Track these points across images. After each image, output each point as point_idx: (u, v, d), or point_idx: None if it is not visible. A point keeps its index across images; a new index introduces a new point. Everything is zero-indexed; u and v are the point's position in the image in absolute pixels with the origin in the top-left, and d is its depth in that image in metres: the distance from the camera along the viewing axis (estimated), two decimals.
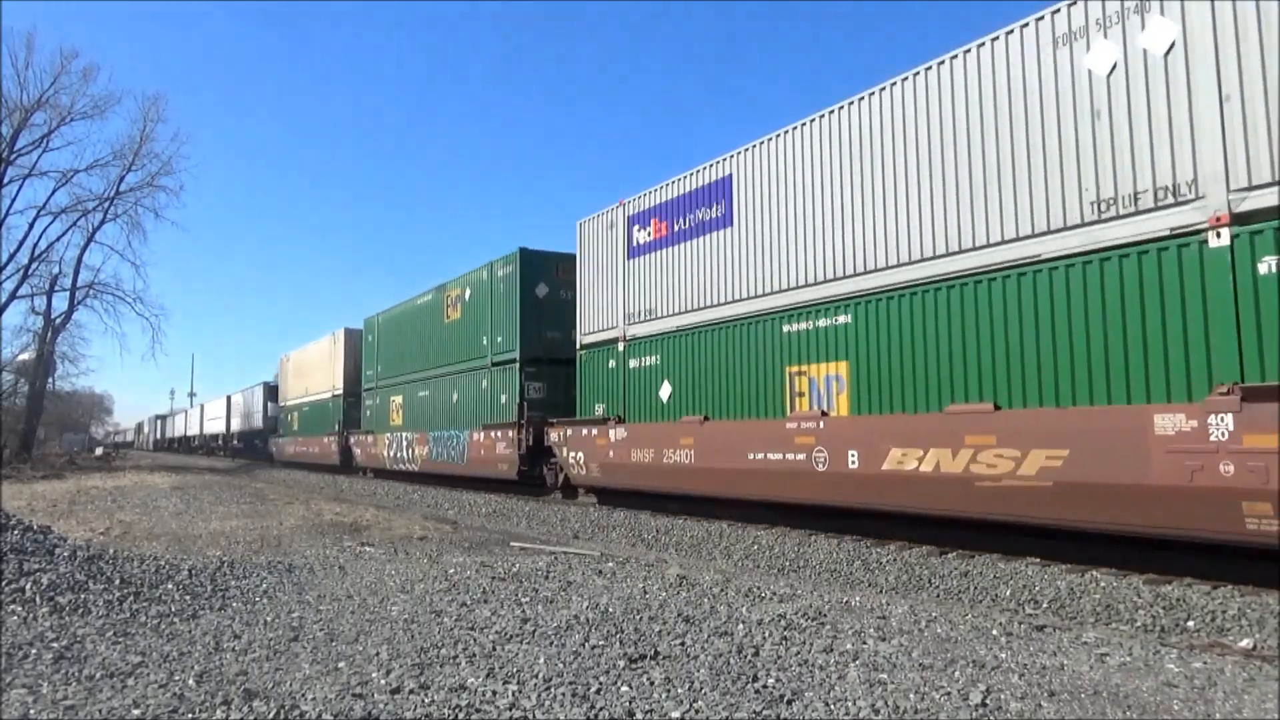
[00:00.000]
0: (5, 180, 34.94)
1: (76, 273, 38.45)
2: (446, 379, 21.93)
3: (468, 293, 21.05)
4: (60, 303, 39.28)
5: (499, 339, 19.01)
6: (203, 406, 70.38)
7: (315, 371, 34.32)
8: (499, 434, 18.40)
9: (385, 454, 25.77)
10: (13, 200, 35.85)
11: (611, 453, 14.48)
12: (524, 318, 18.11)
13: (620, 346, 14.85)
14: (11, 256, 35.89)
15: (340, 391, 30.73)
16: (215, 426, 62.95)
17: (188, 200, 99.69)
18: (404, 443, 24.25)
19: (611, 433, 14.55)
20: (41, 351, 38.69)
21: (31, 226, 36.41)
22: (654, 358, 13.95)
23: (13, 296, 36.11)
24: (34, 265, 36.70)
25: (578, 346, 16.16)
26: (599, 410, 15.33)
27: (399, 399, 25.32)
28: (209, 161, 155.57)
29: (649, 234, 14.30)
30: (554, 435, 16.63)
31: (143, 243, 54.44)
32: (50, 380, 42.37)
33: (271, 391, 45.61)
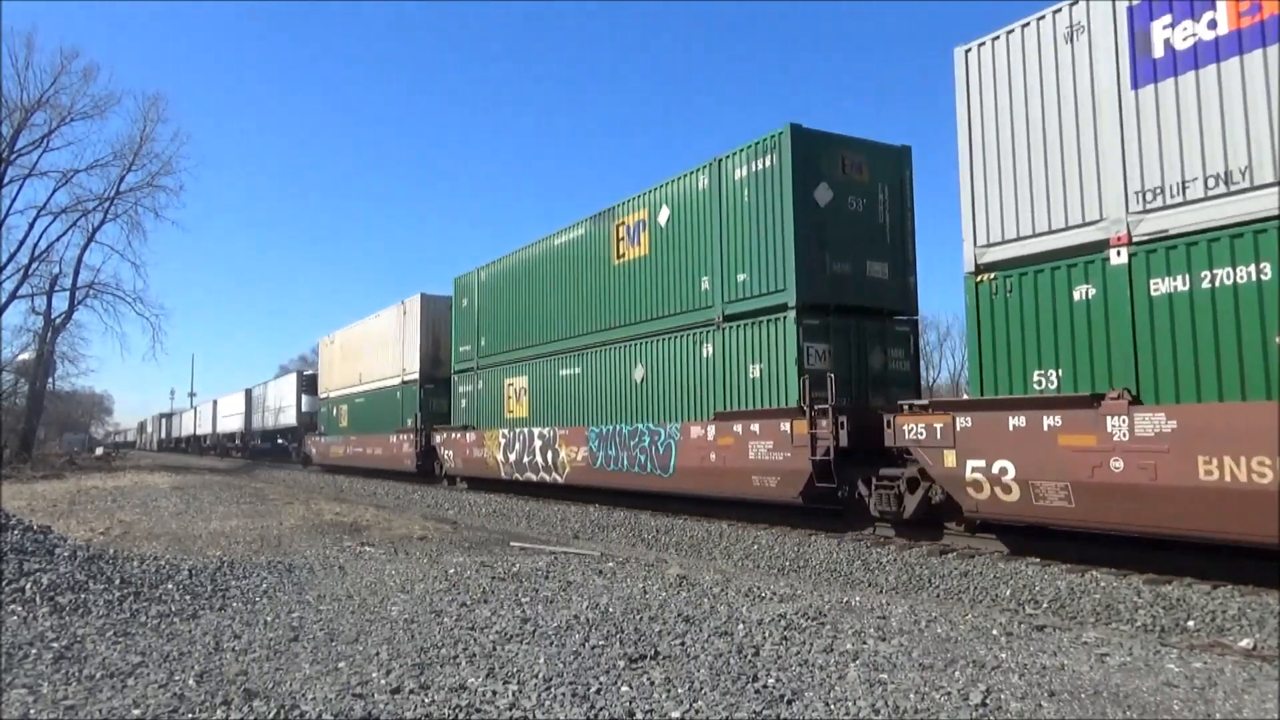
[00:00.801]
0: (5, 180, 34.98)
1: (76, 273, 38.51)
2: (621, 348, 14.80)
3: (664, 215, 13.94)
4: (60, 303, 39.34)
5: (740, 277, 12.22)
6: (216, 402, 62.31)
7: (375, 353, 27.41)
8: (754, 429, 11.58)
9: (498, 458, 18.56)
10: (13, 200, 35.93)
11: (1119, 463, 7.49)
12: (800, 237, 11.32)
13: (1116, 256, 7.88)
14: (11, 256, 35.96)
15: (414, 376, 23.91)
16: (232, 424, 55.95)
17: (188, 200, 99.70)
18: (535, 443, 17.12)
19: (1113, 424, 7.55)
20: (41, 351, 38.71)
21: (31, 226, 36.49)
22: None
23: (13, 296, 36.17)
24: (34, 265, 36.77)
25: (969, 268, 9.20)
26: (1045, 380, 8.45)
27: (521, 381, 18.25)
28: (209, 161, 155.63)
29: (1218, 23, 7.27)
30: (914, 428, 9.49)
31: (143, 243, 54.27)
32: (50, 380, 42.40)
33: (308, 382, 38.33)
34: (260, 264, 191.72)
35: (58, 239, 37.87)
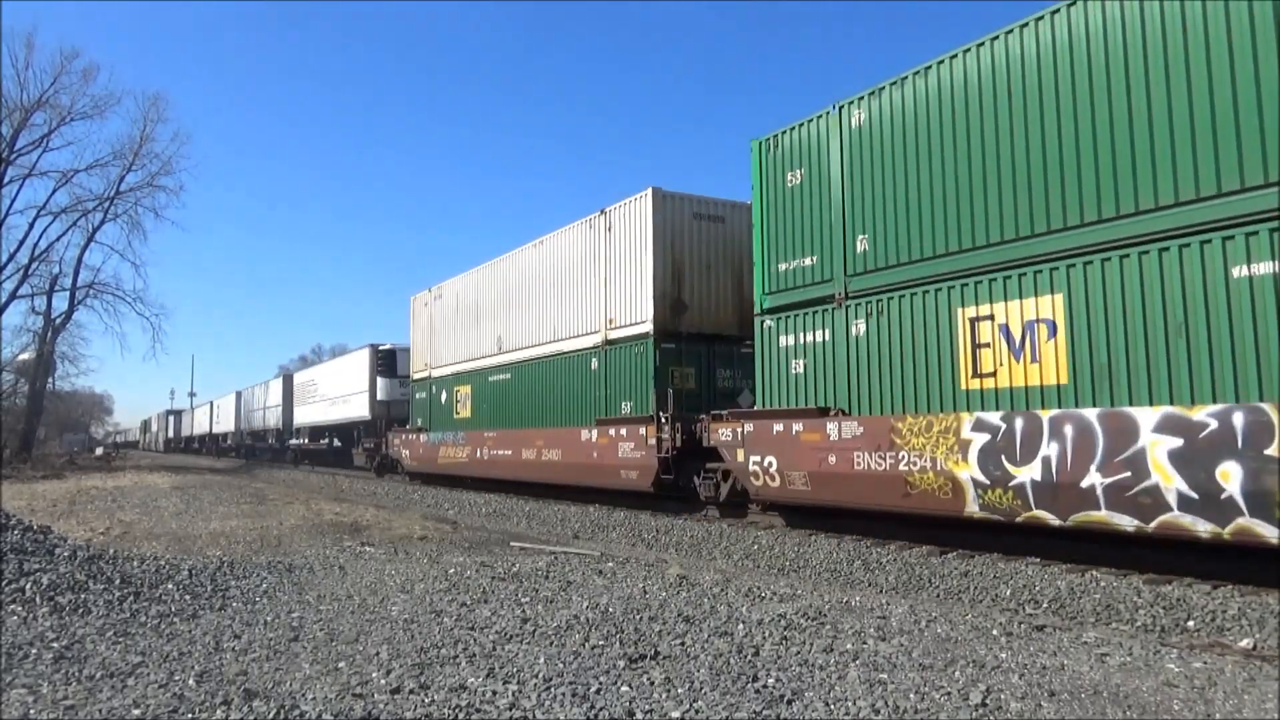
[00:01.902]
0: (5, 180, 34.99)
1: (76, 273, 38.53)
2: None
3: None
4: (60, 303, 39.36)
5: None
6: (239, 394, 53.17)
7: (537, 303, 17.95)
8: None
9: (966, 474, 8.81)
10: (13, 200, 35.94)
11: None
12: None
13: None
14: (11, 256, 35.97)
15: (642, 330, 14.27)
16: (262, 420, 46.84)
17: (188, 200, 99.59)
18: (1196, 443, 7.06)
19: None
20: (41, 351, 38.71)
21: (31, 226, 36.50)
22: None
23: (13, 296, 36.17)
24: (34, 265, 36.77)
25: None
26: None
27: (1044, 304, 8.50)
28: (210, 161, 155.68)
29: None
30: None
31: (143, 243, 54.39)
32: (50, 380, 42.40)
33: (385, 359, 29.25)
34: (260, 264, 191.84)
35: (58, 239, 37.92)
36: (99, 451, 57.76)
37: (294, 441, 40.42)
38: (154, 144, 39.04)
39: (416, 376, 24.28)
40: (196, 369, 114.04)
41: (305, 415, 38.51)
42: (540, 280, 17.99)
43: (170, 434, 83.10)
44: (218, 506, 14.63)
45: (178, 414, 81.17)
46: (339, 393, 33.04)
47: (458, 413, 21.23)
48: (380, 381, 29.12)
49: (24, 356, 41.21)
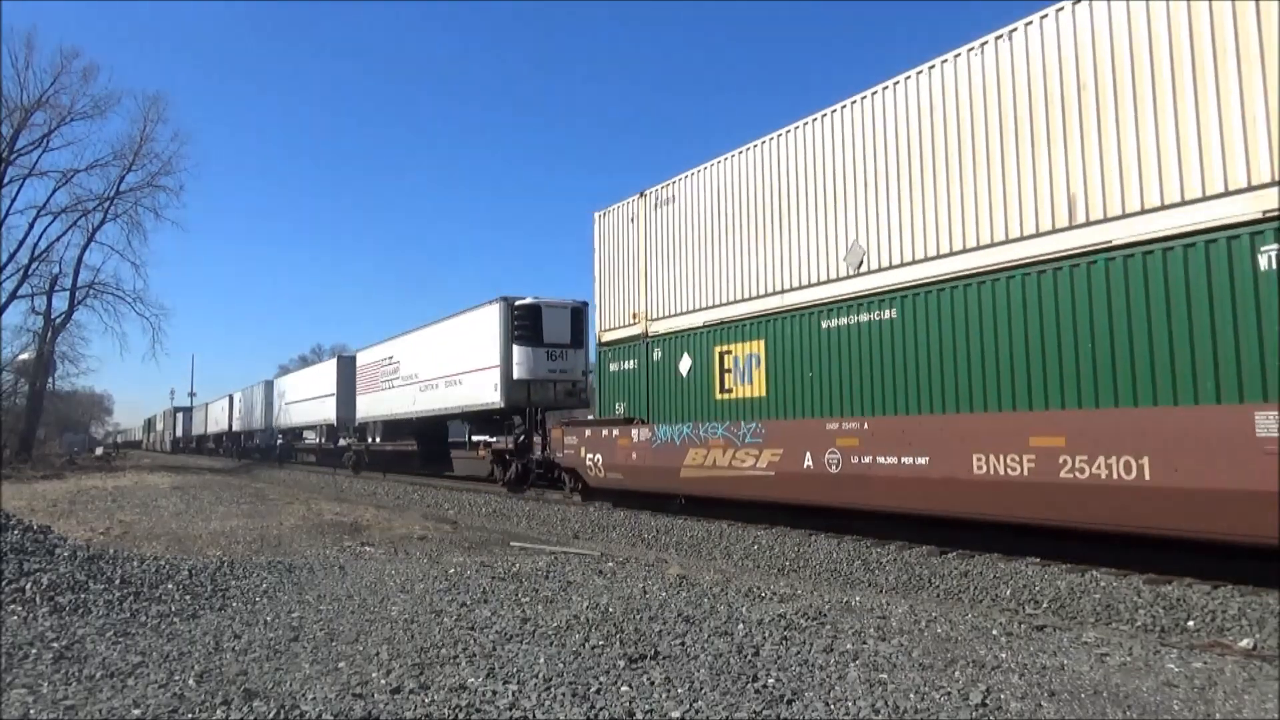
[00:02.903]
0: (5, 180, 35.02)
1: (76, 273, 38.56)
2: None
3: None
4: (60, 303, 39.41)
5: None
6: (271, 384, 44.85)
7: (954, 174, 9.38)
8: None
9: None
10: (13, 200, 36.00)
11: None
12: None
13: None
14: (11, 256, 36.01)
15: None
16: (306, 414, 37.16)
17: (188, 200, 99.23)
18: None
19: None
20: (41, 351, 38.73)
21: (31, 226, 36.55)
22: None
23: (13, 296, 36.21)
24: (34, 265, 36.82)
25: None
26: None
27: None
28: (210, 161, 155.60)
29: None
30: None
31: (143, 243, 54.25)
32: (50, 380, 42.41)
33: (525, 319, 19.46)
34: (260, 265, 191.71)
35: (58, 239, 37.95)
36: (99, 451, 57.77)
37: (347, 441, 31.61)
38: (154, 144, 39.16)
39: (611, 337, 15.69)
40: (196, 369, 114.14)
41: (377, 405, 27.74)
42: (1001, 118, 9.07)
43: (178, 433, 74.61)
44: (217, 506, 14.63)
45: (187, 411, 71.93)
46: (441, 371, 23.01)
47: (725, 390, 12.79)
48: (518, 352, 19.42)
49: (24, 356, 41.24)
